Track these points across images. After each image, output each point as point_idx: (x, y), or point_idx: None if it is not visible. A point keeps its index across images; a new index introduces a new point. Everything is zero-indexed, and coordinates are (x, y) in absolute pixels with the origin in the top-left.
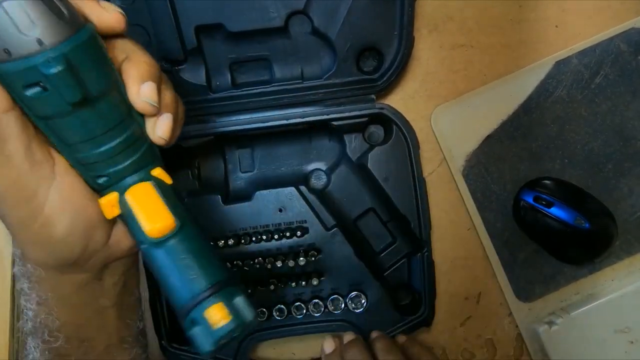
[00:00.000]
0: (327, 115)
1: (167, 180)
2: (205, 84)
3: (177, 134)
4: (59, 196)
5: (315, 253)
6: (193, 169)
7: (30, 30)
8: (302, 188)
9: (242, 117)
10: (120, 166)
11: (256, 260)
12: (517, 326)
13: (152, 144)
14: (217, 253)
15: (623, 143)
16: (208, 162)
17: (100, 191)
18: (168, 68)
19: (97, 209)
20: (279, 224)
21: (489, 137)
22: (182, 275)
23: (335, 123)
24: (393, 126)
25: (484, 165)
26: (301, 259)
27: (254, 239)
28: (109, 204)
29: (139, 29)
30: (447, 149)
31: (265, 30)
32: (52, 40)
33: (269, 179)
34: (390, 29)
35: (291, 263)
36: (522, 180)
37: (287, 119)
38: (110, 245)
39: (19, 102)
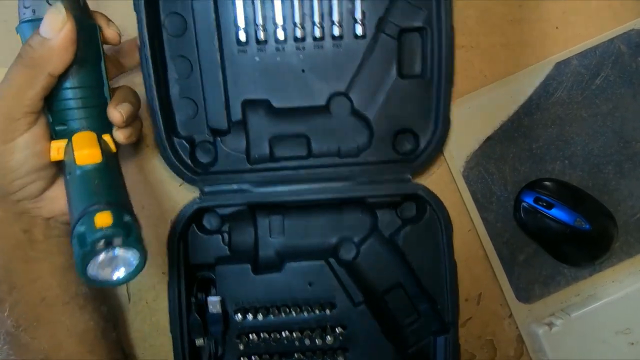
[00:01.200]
0: (361, 192)
1: (112, 147)
2: (244, 155)
3: (132, 139)
4: (30, 137)
5: (342, 329)
6: (223, 234)
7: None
8: (332, 261)
9: (277, 188)
10: (77, 119)
11: (284, 334)
12: (517, 327)
13: (107, 118)
14: (129, 201)
15: (623, 144)
16: (239, 227)
17: (55, 139)
18: (210, 139)
19: (48, 162)
20: (308, 299)
21: (489, 138)
22: (89, 192)
23: (369, 200)
24: (427, 206)
25: (484, 166)
26: (328, 337)
27: (282, 313)
28: (56, 146)
29: (188, 101)
30: (448, 150)
31: (307, 108)
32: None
33: (299, 248)
34: (427, 112)
35: (319, 341)
36: (523, 182)
37: (321, 194)
38: (41, 199)
39: None
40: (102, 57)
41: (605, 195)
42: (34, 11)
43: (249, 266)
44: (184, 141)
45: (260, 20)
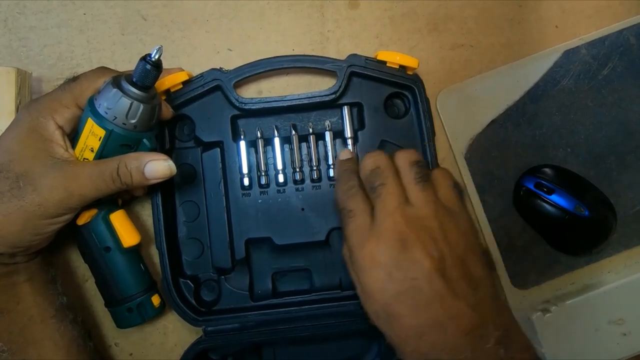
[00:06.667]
0: (365, 325)
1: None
2: (247, 292)
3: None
4: (74, 215)
5: None
6: None
7: (134, 119)
8: None
9: (281, 326)
10: (109, 198)
11: None
12: None
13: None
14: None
15: (627, 136)
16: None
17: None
18: (215, 277)
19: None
20: None
21: (493, 121)
22: (136, 274)
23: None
24: None
25: (487, 149)
26: None
27: None
28: (86, 214)
29: (195, 241)
30: (452, 131)
31: (308, 244)
32: (140, 129)
33: None
34: None
35: None
36: (524, 167)
37: (325, 329)
38: (41, 242)
39: (104, 145)
40: (153, 131)
41: (606, 186)
42: (124, 124)
43: None
44: (189, 281)
45: (262, 167)
